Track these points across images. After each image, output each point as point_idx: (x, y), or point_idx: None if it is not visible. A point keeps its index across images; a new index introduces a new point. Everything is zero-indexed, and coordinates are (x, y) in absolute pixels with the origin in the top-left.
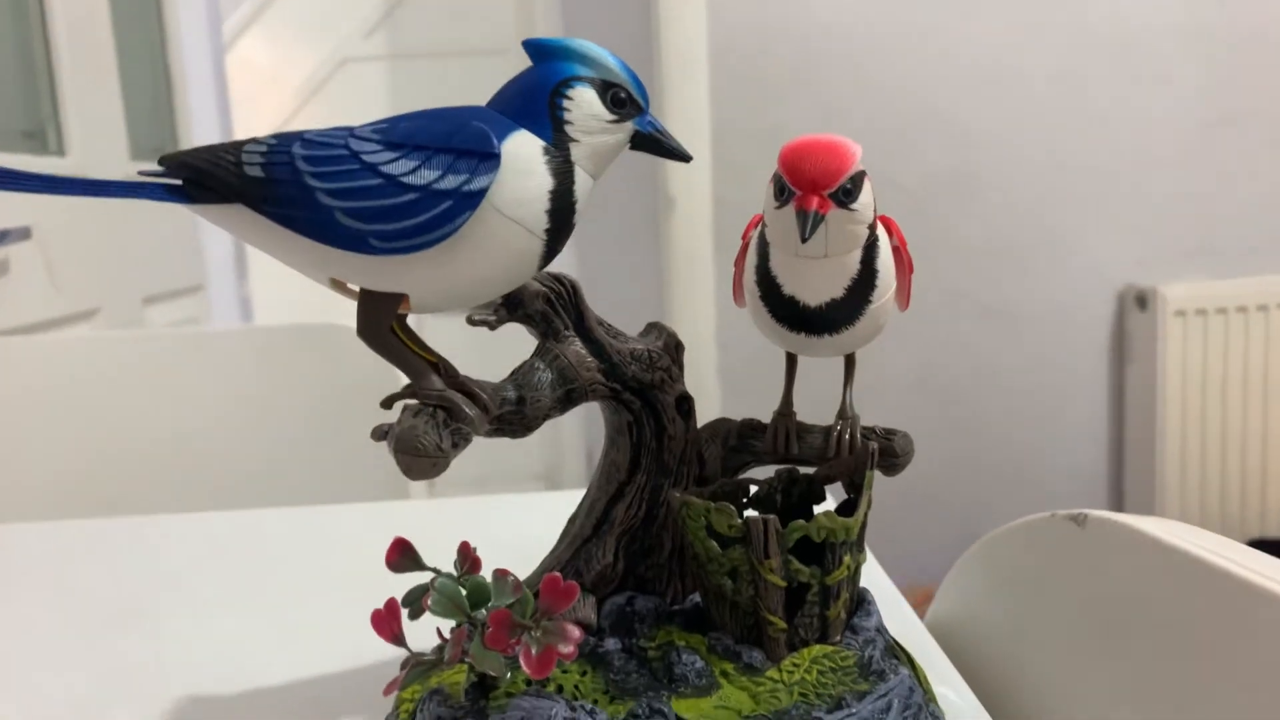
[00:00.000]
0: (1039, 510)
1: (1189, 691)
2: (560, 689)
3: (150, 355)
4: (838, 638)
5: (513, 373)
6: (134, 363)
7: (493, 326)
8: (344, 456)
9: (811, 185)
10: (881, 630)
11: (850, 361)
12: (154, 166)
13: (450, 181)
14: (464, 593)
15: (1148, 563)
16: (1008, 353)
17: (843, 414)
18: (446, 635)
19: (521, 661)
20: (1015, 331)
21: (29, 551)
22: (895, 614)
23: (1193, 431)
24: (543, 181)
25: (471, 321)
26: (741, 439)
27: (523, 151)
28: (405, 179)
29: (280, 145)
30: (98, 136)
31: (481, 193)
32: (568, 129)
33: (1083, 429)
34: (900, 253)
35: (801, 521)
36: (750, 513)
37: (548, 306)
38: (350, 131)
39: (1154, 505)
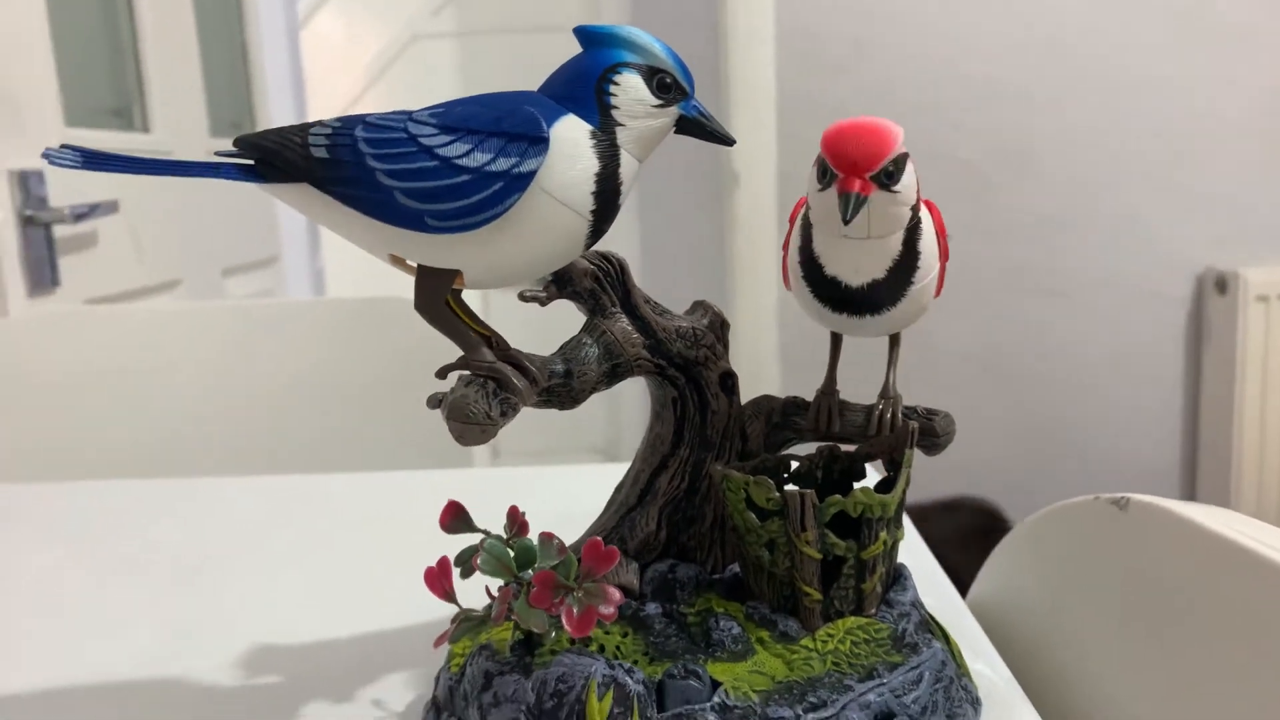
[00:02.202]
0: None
1: (1226, 679)
2: (602, 649)
3: (228, 325)
4: (873, 610)
5: (561, 347)
6: (212, 331)
7: (543, 303)
8: (411, 424)
9: (853, 167)
10: (917, 605)
11: (895, 342)
12: (229, 147)
13: (501, 164)
14: (511, 554)
15: (1189, 549)
16: (1074, 333)
17: (885, 393)
18: (495, 594)
19: (564, 620)
20: (1083, 311)
21: (109, 507)
22: (936, 591)
23: (1272, 423)
24: (589, 164)
25: (523, 298)
26: (785, 416)
27: (570, 135)
28: (459, 161)
29: (344, 128)
30: (179, 114)
31: (531, 175)
32: (614, 113)
33: (1153, 416)
34: (943, 234)
35: (838, 496)
36: (790, 488)
37: (595, 284)
38: (409, 115)
39: (1229, 498)
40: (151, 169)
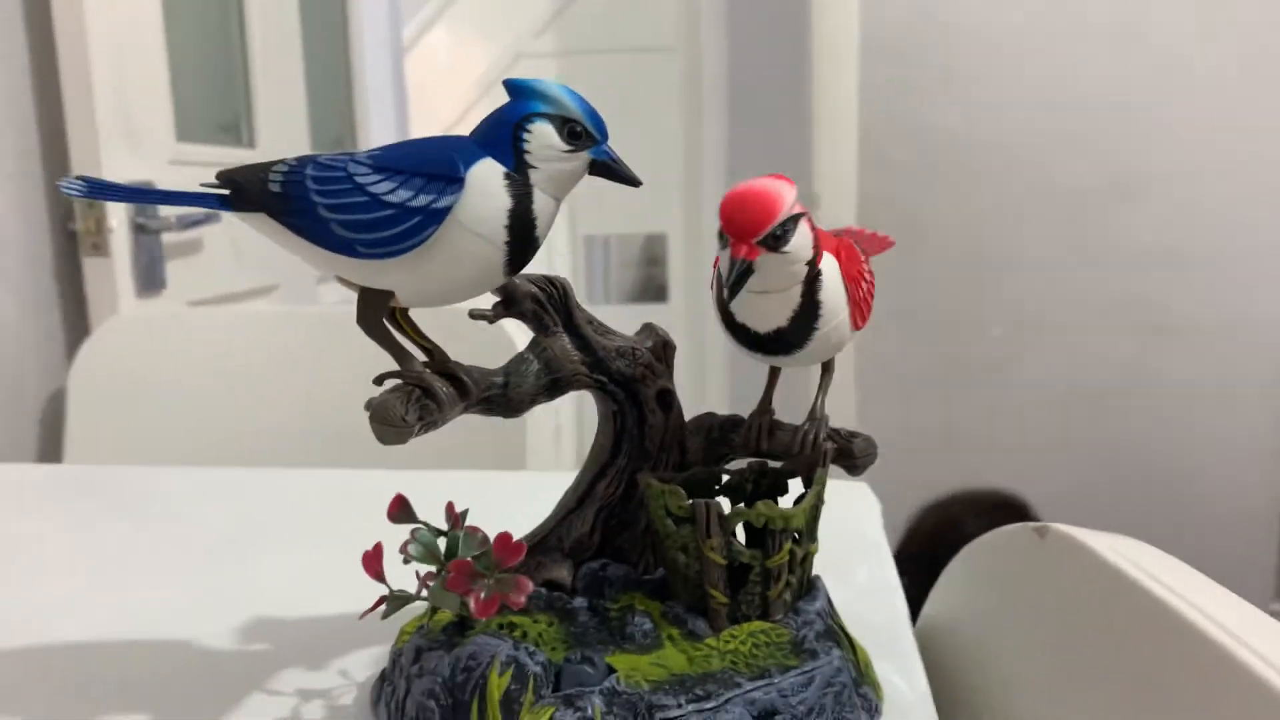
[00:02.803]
0: (1188, 538)
1: (1121, 713)
2: (525, 634)
3: (318, 328)
4: (779, 617)
5: (508, 362)
6: (304, 334)
7: (490, 320)
8: (470, 429)
9: (740, 234)
10: (823, 615)
11: (826, 368)
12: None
13: (421, 200)
14: (441, 545)
15: (1092, 580)
16: (1170, 369)
17: (812, 415)
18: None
19: (471, 603)
20: (1181, 346)
21: (196, 490)
22: (886, 609)
23: None
24: (502, 202)
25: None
26: (723, 432)
27: (485, 176)
28: (386, 197)
29: (298, 167)
30: (283, 130)
31: (447, 210)
32: (527, 157)
33: (1251, 460)
34: (856, 282)
35: (742, 507)
36: (723, 499)
37: (537, 305)
38: (351, 157)
39: None
40: (147, 199)
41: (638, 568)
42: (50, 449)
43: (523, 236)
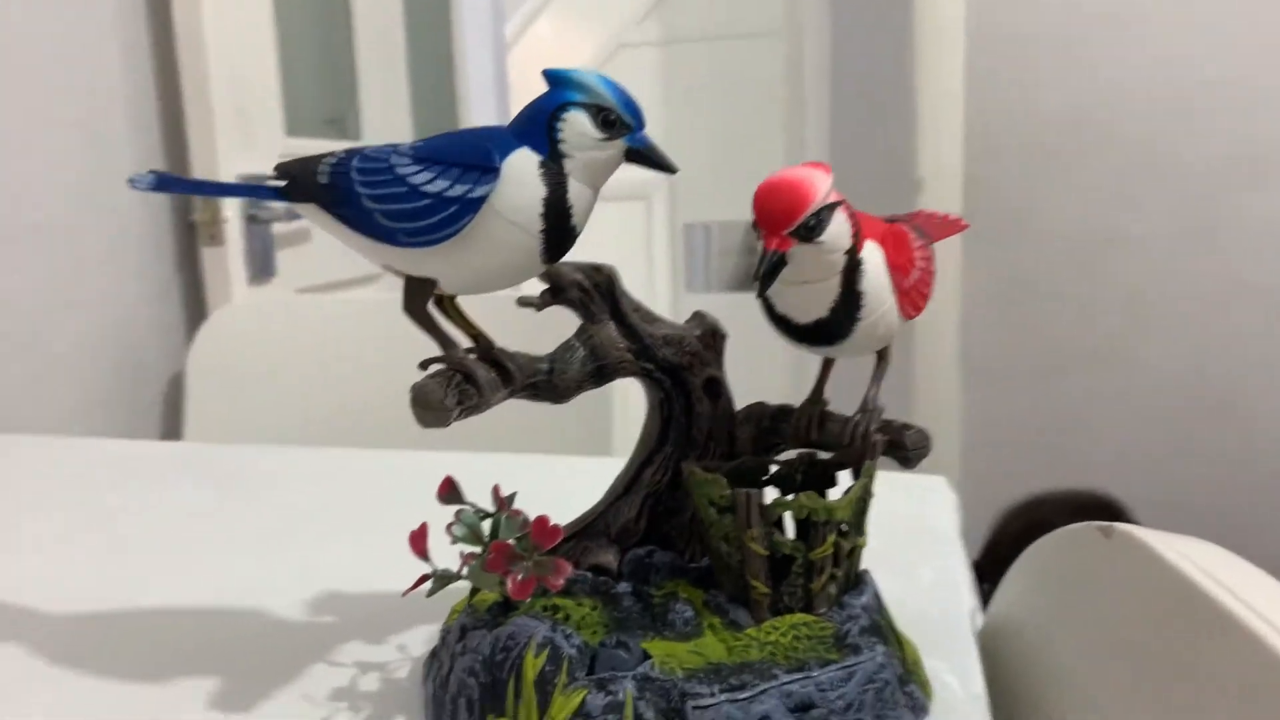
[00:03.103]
0: None
1: (1170, 715)
2: (567, 617)
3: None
4: (823, 610)
5: (556, 349)
6: (405, 321)
7: (538, 308)
8: (560, 415)
9: (771, 226)
10: (870, 610)
11: (880, 357)
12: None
13: (458, 190)
14: (485, 526)
15: (1152, 583)
16: None
17: (864, 407)
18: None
19: (508, 584)
20: None
21: (290, 470)
22: (948, 605)
23: None
24: (536, 190)
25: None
26: (773, 422)
27: (521, 165)
28: (424, 187)
29: (345, 159)
30: (388, 124)
31: (482, 199)
32: (561, 146)
33: None
34: (903, 271)
35: (784, 498)
36: (771, 490)
37: (583, 293)
38: (395, 149)
39: None
40: (208, 190)
41: (684, 555)
42: (171, 427)
43: (559, 225)
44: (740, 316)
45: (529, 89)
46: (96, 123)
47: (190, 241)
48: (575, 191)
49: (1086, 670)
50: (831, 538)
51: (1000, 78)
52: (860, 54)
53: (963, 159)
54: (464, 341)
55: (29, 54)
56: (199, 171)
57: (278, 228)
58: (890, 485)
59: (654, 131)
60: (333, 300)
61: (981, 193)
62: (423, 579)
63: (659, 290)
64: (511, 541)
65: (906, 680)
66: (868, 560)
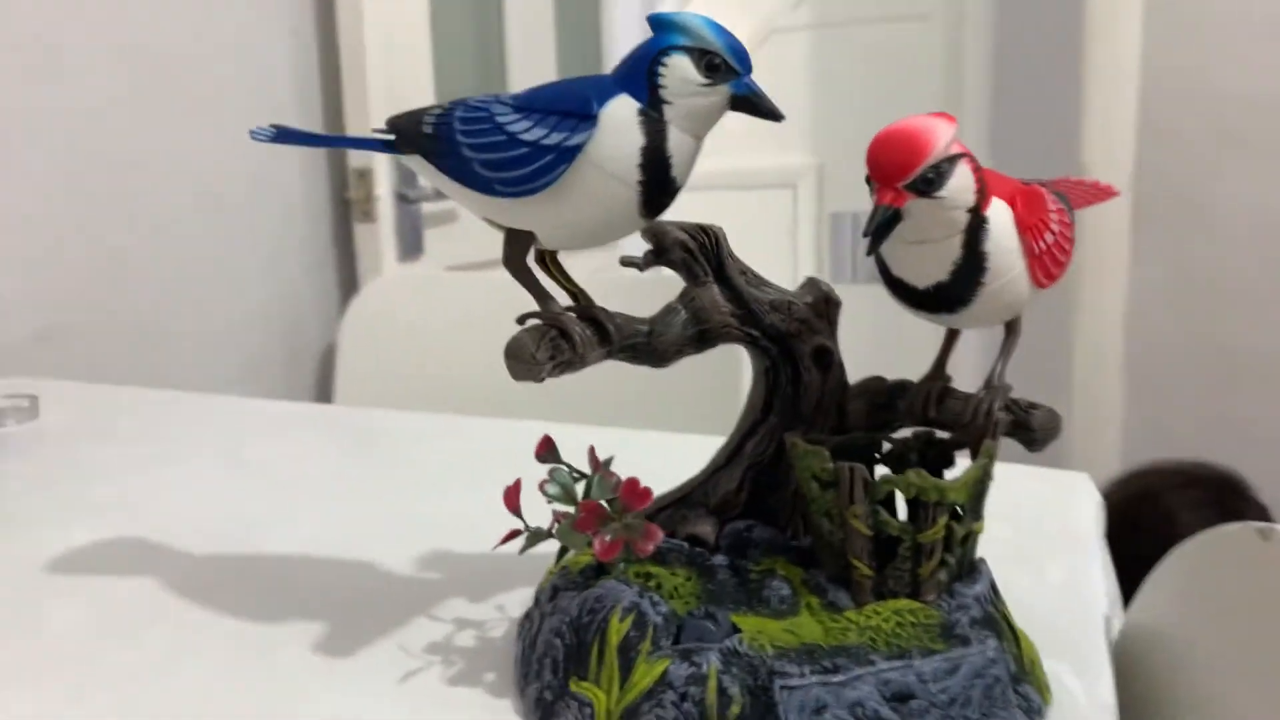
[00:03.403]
0: None
1: None
2: (659, 585)
3: (563, 295)
4: (930, 597)
5: (660, 311)
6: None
7: (641, 268)
8: (683, 390)
9: (885, 178)
10: (982, 600)
11: (1010, 330)
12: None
13: (554, 138)
14: (579, 486)
15: None
16: None
17: (989, 383)
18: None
19: (595, 545)
20: None
21: (425, 433)
22: (1077, 608)
23: None
24: (635, 139)
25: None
26: (890, 398)
27: (619, 113)
28: (522, 136)
29: (448, 110)
30: None
31: (578, 148)
32: (662, 92)
33: None
34: (1035, 233)
35: (891, 475)
36: (883, 469)
37: (687, 254)
38: (497, 98)
39: None
40: (323, 142)
41: (785, 532)
42: (324, 392)
43: (658, 177)
44: (891, 307)
45: None
46: (266, 106)
47: (345, 218)
48: (676, 141)
49: (1237, 690)
50: (943, 520)
51: (1177, 57)
52: (1026, 35)
53: (1134, 144)
54: (565, 300)
55: (209, 47)
56: (354, 155)
57: (426, 207)
58: (1028, 477)
59: (805, 116)
60: (476, 278)
61: (1153, 181)
62: (512, 534)
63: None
64: (603, 503)
65: (1020, 679)
66: (993, 552)
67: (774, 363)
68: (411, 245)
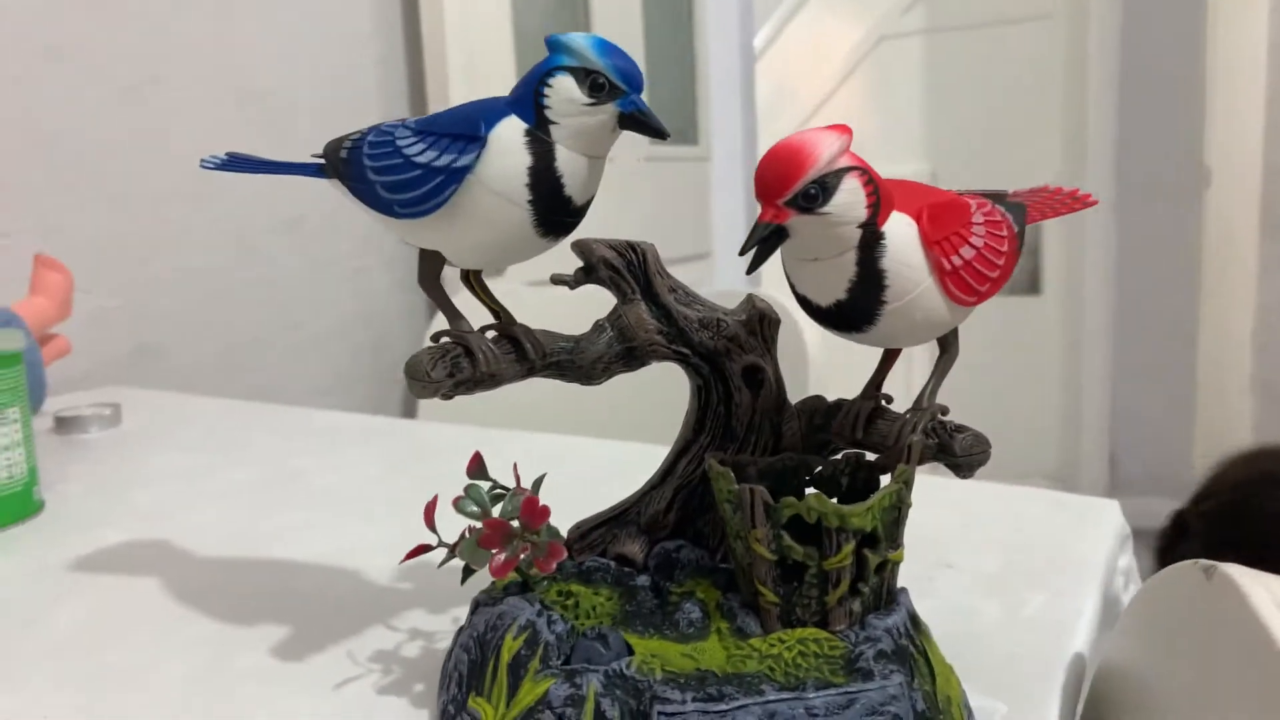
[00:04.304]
0: None
1: None
2: (578, 604)
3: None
4: (840, 627)
5: (590, 328)
6: None
7: (571, 286)
8: None
9: (765, 195)
10: (896, 632)
11: (942, 348)
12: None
13: (444, 160)
14: (491, 503)
15: (1241, 632)
16: None
17: (916, 404)
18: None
19: (490, 562)
20: None
21: (485, 449)
22: (1043, 643)
23: None
24: (522, 159)
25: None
26: (826, 418)
27: (506, 134)
28: (415, 159)
29: (362, 136)
30: None
31: (465, 169)
32: (548, 113)
33: None
34: (944, 248)
35: (793, 499)
36: (812, 491)
37: (612, 271)
38: (403, 122)
39: None
40: (265, 169)
41: (715, 554)
42: (410, 406)
43: (549, 196)
44: (1017, 319)
45: (788, 84)
46: (353, 122)
47: None
48: (566, 160)
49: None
50: (848, 547)
51: None
52: (1152, 32)
53: (1263, 146)
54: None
55: (301, 77)
56: None
57: None
58: (1048, 503)
59: (916, 124)
60: (556, 293)
61: None
62: (420, 549)
63: None
64: (514, 522)
65: (927, 717)
66: (970, 580)
67: (706, 381)
68: None
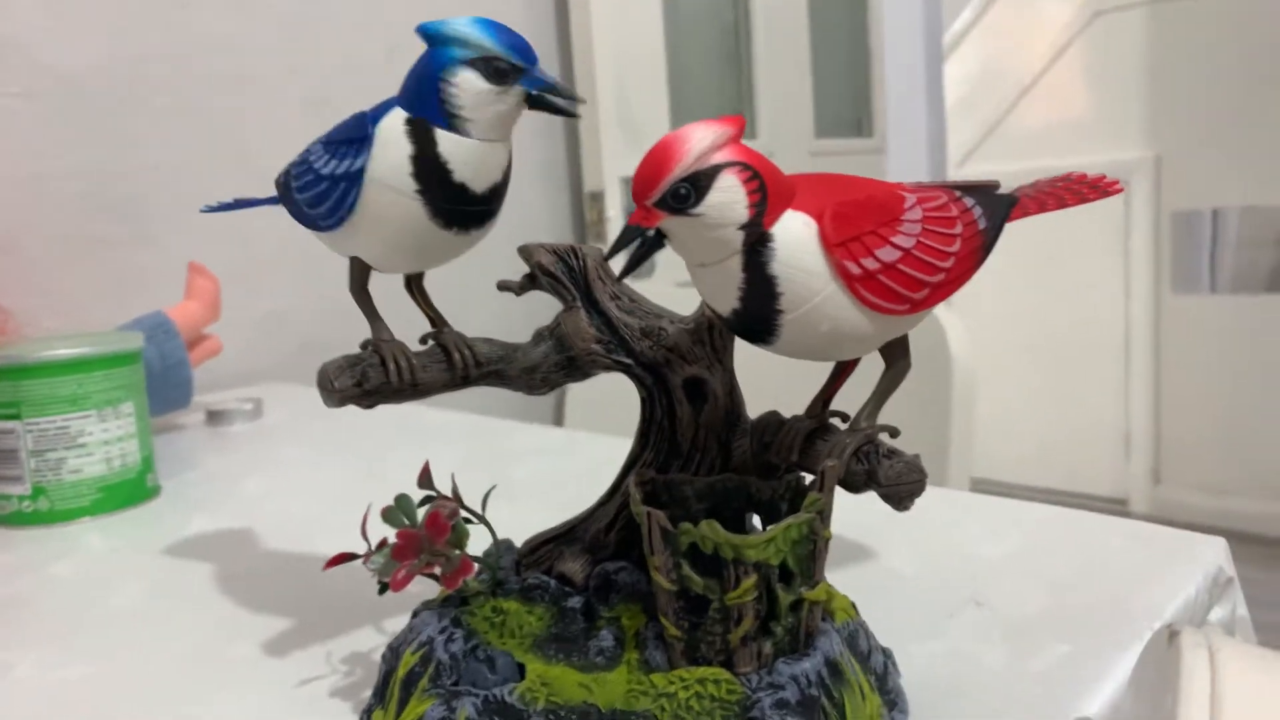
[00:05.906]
0: None
1: None
2: (505, 622)
3: None
4: (746, 668)
5: (532, 337)
6: None
7: (517, 293)
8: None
9: (635, 195)
10: (804, 681)
11: (889, 364)
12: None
13: (343, 167)
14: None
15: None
16: None
17: (853, 425)
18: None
19: (392, 576)
20: None
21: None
22: (1042, 697)
23: None
24: (402, 149)
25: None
26: (774, 435)
27: (388, 126)
28: (322, 171)
29: (299, 157)
30: (787, 118)
31: (361, 170)
32: (460, 111)
33: None
34: (851, 250)
35: (689, 525)
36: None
37: (549, 277)
38: (318, 139)
39: None
40: (246, 205)
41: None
42: (561, 414)
43: (438, 184)
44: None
45: (995, 61)
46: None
47: (580, 237)
48: (451, 145)
49: None
50: (748, 582)
51: None
52: None
53: None
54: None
55: None
56: (589, 171)
57: None
58: (1128, 537)
59: (1136, 106)
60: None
61: None
62: (342, 557)
63: (1136, 291)
64: (419, 532)
65: None
66: (997, 621)
67: (649, 393)
68: (646, 266)
